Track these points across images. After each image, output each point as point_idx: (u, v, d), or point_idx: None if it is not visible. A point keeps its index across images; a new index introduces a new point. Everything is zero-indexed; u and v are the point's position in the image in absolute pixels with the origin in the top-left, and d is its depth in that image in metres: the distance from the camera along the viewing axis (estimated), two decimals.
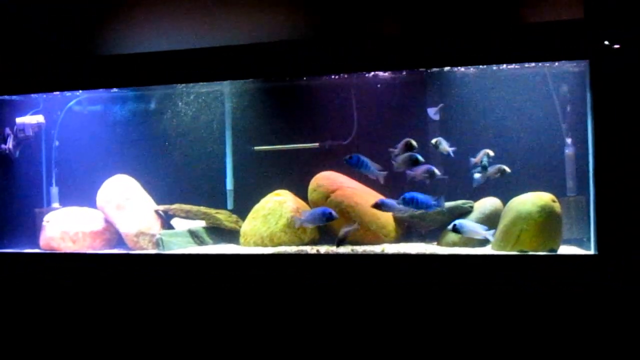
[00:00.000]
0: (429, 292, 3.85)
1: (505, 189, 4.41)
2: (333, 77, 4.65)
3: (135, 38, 4.61)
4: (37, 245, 5.01)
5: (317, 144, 4.98)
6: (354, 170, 4.45)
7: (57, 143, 5.32)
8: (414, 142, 4.34)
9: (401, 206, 4.21)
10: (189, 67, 4.43)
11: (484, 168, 4.37)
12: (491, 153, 4.40)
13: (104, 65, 4.58)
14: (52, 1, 4.45)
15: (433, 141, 4.48)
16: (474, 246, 4.36)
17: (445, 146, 4.44)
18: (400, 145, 4.36)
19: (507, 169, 4.33)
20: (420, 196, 4.17)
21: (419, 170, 4.30)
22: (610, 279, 3.65)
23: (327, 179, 4.80)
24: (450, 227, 4.15)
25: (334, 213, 4.27)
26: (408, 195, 4.18)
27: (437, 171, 4.31)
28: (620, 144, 3.68)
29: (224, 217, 5.00)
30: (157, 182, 5.23)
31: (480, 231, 4.10)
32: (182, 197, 5.10)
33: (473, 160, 4.43)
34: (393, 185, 4.46)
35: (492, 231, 4.10)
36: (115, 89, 4.99)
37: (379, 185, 4.46)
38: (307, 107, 5.02)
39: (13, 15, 4.58)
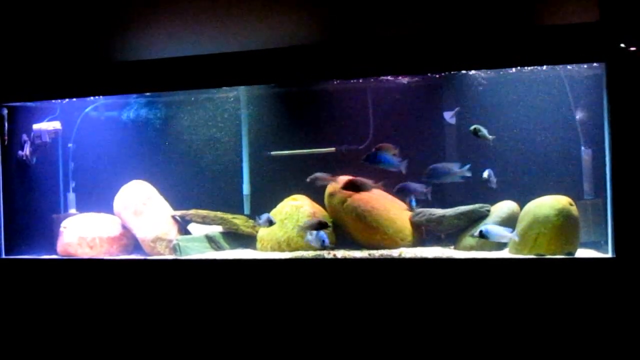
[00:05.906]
0: (447, 296, 3.86)
1: (522, 192, 4.40)
2: (349, 81, 4.67)
3: (149, 45, 4.63)
4: (54, 251, 5.03)
5: (333, 149, 4.99)
6: (371, 172, 4.45)
7: (70, 145, 5.36)
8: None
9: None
10: (202, 73, 4.45)
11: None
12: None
13: (118, 71, 4.60)
14: (69, 8, 4.47)
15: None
16: (491, 250, 4.36)
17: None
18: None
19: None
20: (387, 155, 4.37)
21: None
22: (628, 282, 3.65)
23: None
24: (476, 233, 4.15)
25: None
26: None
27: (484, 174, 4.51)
28: (637, 147, 3.67)
29: (240, 222, 5.00)
30: (174, 188, 5.26)
31: (507, 234, 4.07)
32: (199, 203, 5.12)
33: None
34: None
35: (515, 231, 4.08)
36: (131, 95, 5.03)
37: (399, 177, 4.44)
38: (323, 112, 5.03)
39: (29, 22, 4.61)
